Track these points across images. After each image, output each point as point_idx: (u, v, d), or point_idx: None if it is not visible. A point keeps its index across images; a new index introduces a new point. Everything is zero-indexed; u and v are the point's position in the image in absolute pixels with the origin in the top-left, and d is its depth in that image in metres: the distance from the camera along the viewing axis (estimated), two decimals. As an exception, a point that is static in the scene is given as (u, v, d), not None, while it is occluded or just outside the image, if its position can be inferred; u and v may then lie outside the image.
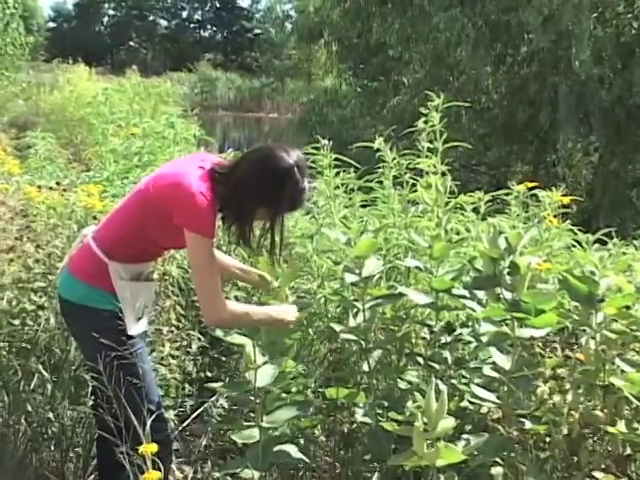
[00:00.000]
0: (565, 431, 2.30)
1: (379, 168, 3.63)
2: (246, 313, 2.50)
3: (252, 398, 2.47)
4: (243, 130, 31.78)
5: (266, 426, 2.44)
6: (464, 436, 2.21)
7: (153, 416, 2.40)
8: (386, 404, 2.63)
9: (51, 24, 59.55)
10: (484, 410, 2.49)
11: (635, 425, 2.23)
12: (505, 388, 2.34)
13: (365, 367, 2.71)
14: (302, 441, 2.76)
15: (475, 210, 3.65)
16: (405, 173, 3.51)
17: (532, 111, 12.91)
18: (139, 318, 2.54)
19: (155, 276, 2.73)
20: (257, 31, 56.12)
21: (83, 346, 2.70)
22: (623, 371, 2.28)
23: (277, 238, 2.50)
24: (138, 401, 2.43)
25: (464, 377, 2.64)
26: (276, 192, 2.41)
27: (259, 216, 2.48)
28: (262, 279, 2.81)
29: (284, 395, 2.67)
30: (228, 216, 2.50)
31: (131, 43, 60.95)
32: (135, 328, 2.52)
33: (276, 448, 2.48)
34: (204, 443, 3.37)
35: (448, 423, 2.02)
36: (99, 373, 2.30)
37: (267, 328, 2.59)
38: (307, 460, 2.56)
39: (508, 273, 2.34)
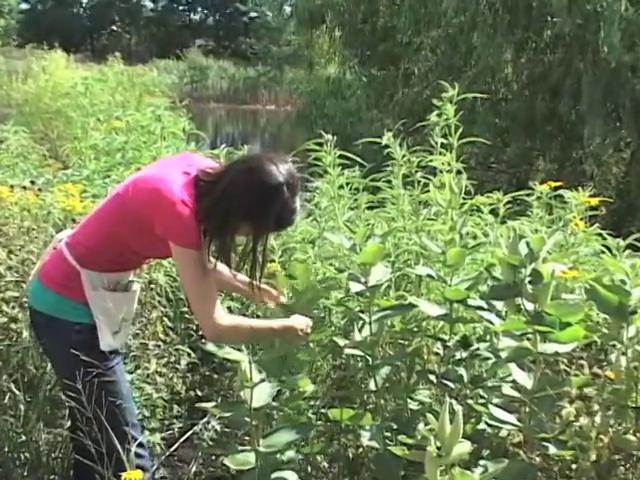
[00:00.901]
0: (593, 457, 2.29)
1: (387, 166, 3.64)
2: (250, 327, 2.51)
3: (247, 419, 2.47)
4: (237, 124, 31.81)
5: (263, 450, 2.44)
6: (481, 462, 2.22)
7: (137, 441, 2.42)
8: (395, 426, 2.64)
9: (24, 5, 59.55)
10: (503, 433, 2.48)
11: (670, 450, 2.23)
12: (527, 409, 2.34)
13: (372, 385, 2.71)
14: (303, 467, 2.76)
15: (493, 212, 3.65)
16: (416, 171, 3.51)
17: (556, 103, 12.90)
18: (115, 332, 2.55)
19: (136, 286, 2.72)
20: (252, 14, 56.15)
21: (54, 362, 2.71)
22: (657, 390, 2.29)
23: (259, 257, 2.52)
24: (121, 423, 2.44)
25: (481, 397, 2.64)
26: (262, 209, 2.42)
27: (242, 231, 2.49)
28: (269, 295, 2.82)
29: (282, 414, 2.68)
30: (209, 229, 2.49)
31: (113, 27, 60.94)
32: (109, 343, 2.53)
33: (274, 475, 2.48)
34: (194, 470, 3.37)
35: (464, 447, 2.02)
36: (74, 392, 2.31)
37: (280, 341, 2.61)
38: (308, 488, 2.56)
39: (530, 282, 2.34)
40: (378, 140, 3.50)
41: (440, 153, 3.32)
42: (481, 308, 2.57)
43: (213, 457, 3.40)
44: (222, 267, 2.77)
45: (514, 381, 2.39)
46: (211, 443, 3.29)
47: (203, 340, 2.69)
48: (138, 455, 2.44)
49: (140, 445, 2.57)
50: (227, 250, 2.50)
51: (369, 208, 3.84)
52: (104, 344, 2.51)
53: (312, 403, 2.99)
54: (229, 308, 3.50)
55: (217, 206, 2.43)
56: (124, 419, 2.51)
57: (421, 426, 2.51)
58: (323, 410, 2.97)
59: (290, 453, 2.58)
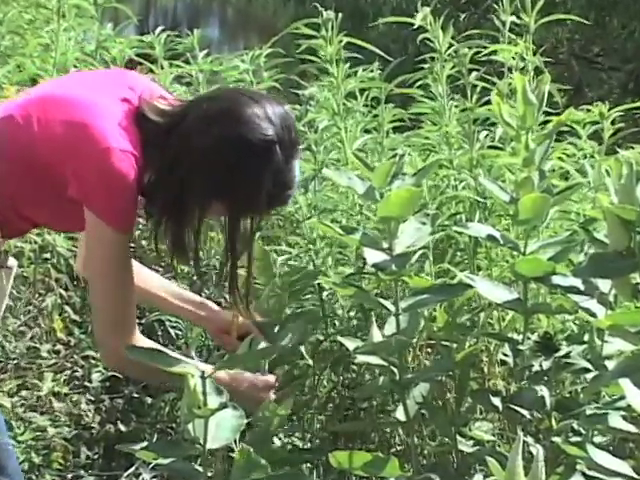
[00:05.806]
0: None
1: (424, 62, 3.63)
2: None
3: (199, 469, 2.49)
4: (181, -8, 31.70)
5: (225, 519, 2.47)
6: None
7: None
8: (437, 479, 2.66)
9: None
10: (610, 490, 2.51)
11: None
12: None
13: (400, 414, 2.73)
14: None
15: (596, 136, 3.65)
16: (470, 71, 3.50)
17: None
18: None
19: (12, 262, 2.70)
20: None
21: None
22: None
23: (239, 255, 2.50)
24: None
25: (575, 432, 2.66)
26: (239, 181, 2.36)
27: (213, 212, 2.47)
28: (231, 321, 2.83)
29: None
30: (158, 204, 2.47)
31: None
32: None
33: None
34: None
35: (546, 512, 2.04)
36: None
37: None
38: None
39: (653, 248, 2.35)
40: (408, 20, 3.49)
41: (509, 42, 3.31)
42: (574, 290, 2.58)
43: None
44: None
45: (628, 407, 2.41)
46: (142, 508, 3.32)
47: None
48: None
49: None
50: (185, 243, 2.47)
51: (395, 130, 3.83)
52: None
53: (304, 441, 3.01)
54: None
55: (172, 168, 2.38)
56: None
57: (478, 478, 2.53)
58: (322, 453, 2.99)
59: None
